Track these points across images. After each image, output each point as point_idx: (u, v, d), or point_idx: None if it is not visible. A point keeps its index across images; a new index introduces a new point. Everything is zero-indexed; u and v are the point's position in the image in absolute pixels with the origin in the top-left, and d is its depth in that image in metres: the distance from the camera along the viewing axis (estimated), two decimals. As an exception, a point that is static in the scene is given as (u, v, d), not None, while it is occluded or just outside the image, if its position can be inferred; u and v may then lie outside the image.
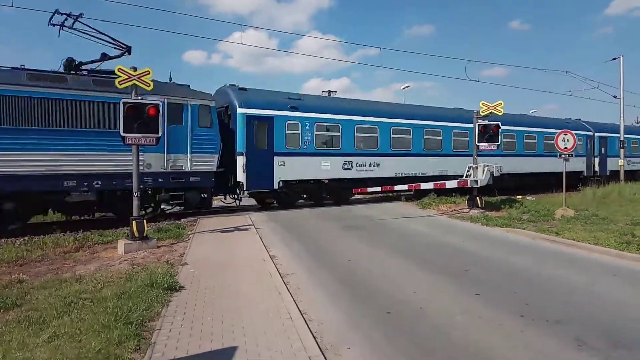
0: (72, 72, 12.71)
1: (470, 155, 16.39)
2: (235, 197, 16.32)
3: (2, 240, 10.57)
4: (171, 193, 13.76)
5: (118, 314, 5.16)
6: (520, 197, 20.16)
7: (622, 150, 27.28)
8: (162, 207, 14.43)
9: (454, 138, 20.84)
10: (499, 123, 15.23)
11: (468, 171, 15.51)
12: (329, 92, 41.21)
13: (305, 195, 17.71)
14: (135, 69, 9.42)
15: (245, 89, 16.36)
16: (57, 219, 13.63)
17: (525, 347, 4.61)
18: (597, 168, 27.89)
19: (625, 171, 26.75)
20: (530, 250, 9.48)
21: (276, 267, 7.87)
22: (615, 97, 28.40)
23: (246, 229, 11.96)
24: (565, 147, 14.88)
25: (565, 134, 14.91)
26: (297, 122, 16.50)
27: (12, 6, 13.00)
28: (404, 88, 36.52)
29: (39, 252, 9.37)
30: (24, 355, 4.22)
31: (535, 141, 24.61)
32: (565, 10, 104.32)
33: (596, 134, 27.96)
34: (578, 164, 26.12)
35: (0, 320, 5.27)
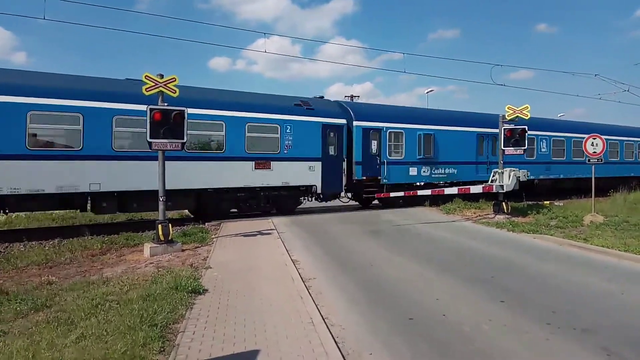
0: None
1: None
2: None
3: (33, 242, 10.88)
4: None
5: (143, 316, 5.26)
6: (547, 202, 19.76)
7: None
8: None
9: None
10: (526, 127, 14.99)
11: (494, 176, 15.27)
12: (352, 97, 41.26)
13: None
14: (162, 76, 9.62)
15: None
16: (85, 222, 13.98)
17: (550, 355, 4.52)
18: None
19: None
20: (557, 256, 9.27)
21: (298, 272, 7.90)
22: (646, 100, 27.62)
23: (269, 233, 12.02)
24: (594, 152, 14.55)
25: (594, 139, 14.59)
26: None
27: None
28: (427, 92, 36.24)
29: (67, 254, 9.62)
30: (52, 355, 4.33)
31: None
32: (593, 13, 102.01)
33: None
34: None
35: (31, 321, 5.43)
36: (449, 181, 19.82)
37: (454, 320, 5.57)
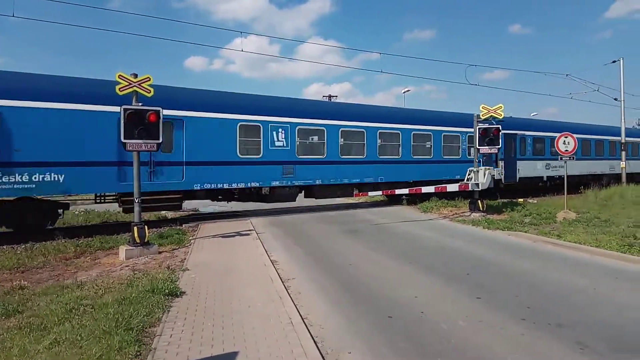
0: None
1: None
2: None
3: (4, 246, 10.59)
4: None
5: (119, 320, 5.16)
6: (522, 200, 20.15)
7: (623, 153, 27.27)
8: None
9: None
10: (499, 126, 15.26)
11: (469, 174, 15.49)
12: (330, 96, 41.38)
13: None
14: (135, 76, 9.47)
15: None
16: (58, 226, 13.65)
17: (526, 350, 4.60)
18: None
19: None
20: (531, 253, 9.46)
21: (277, 272, 7.87)
22: (615, 99, 28.40)
23: (247, 234, 11.96)
24: (566, 150, 14.90)
25: (566, 137, 14.92)
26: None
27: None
28: (404, 92, 36.53)
29: (40, 258, 9.38)
30: (24, 361, 4.22)
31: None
32: (565, 14, 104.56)
33: None
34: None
35: (2, 327, 5.27)
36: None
37: (431, 317, 5.63)
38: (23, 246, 10.59)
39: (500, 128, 15.30)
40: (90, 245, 10.63)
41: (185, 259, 9.03)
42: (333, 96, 41.69)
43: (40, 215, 12.46)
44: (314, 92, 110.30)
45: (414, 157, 19.25)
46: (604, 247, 9.48)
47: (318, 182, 16.50)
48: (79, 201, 18.84)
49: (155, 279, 6.99)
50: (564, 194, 15.36)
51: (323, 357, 4.42)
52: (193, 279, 7.40)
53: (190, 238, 11.51)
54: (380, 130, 18.26)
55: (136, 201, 9.75)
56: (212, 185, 14.25)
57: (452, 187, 15.73)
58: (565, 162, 15.25)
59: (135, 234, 9.50)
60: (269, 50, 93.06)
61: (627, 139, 27.97)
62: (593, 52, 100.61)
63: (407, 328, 5.30)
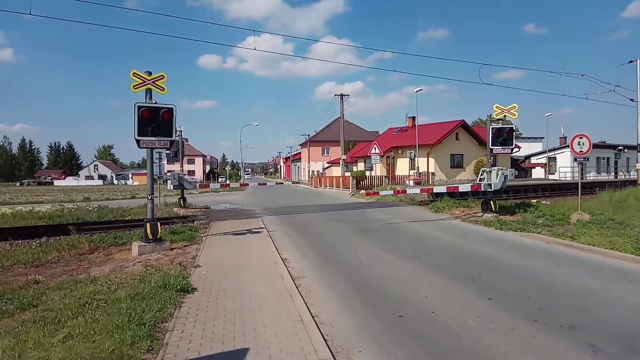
0: None
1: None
2: None
3: (19, 241, 10.75)
4: None
5: (131, 315, 5.23)
6: (535, 201, 19.96)
7: (639, 154, 26.89)
8: None
9: None
10: (513, 126, 15.11)
11: (482, 175, 15.39)
12: (342, 95, 41.27)
13: None
14: (150, 73, 9.55)
15: None
16: (72, 221, 13.82)
17: (538, 352, 4.56)
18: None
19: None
20: (544, 254, 9.37)
21: (288, 270, 7.90)
22: (632, 100, 28.00)
23: (258, 232, 12.01)
24: (581, 151, 14.71)
25: (581, 138, 14.73)
26: None
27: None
28: (416, 91, 36.24)
29: (54, 253, 9.52)
30: (39, 354, 4.29)
31: None
32: (581, 14, 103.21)
33: None
34: None
35: (17, 320, 5.36)
36: None
37: (442, 317, 5.60)
38: (38, 241, 10.75)
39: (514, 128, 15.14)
40: (104, 240, 10.77)
41: (196, 255, 9.10)
42: (345, 95, 41.53)
43: None
44: (326, 91, 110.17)
45: None
46: (618, 249, 9.35)
47: None
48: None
49: (167, 275, 7.07)
50: (578, 195, 15.19)
51: (333, 356, 4.43)
52: (204, 276, 7.45)
53: (202, 235, 11.59)
54: None
55: (149, 198, 9.84)
56: None
57: (464, 188, 15.65)
58: (580, 163, 15.08)
59: (148, 230, 9.60)
60: (282, 48, 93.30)
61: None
62: (609, 52, 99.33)
63: (417, 327, 5.28)
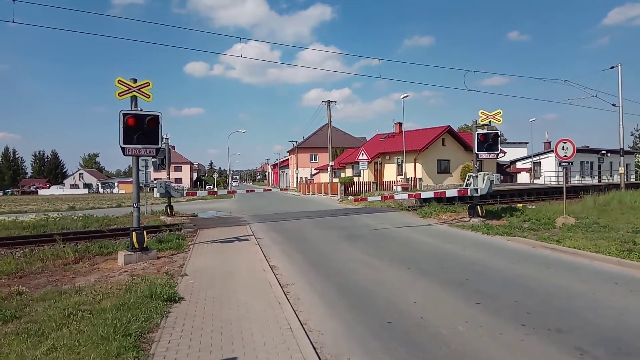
0: None
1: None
2: None
3: (2, 252, 10.56)
4: None
5: (117, 325, 5.14)
6: (521, 205, 20.15)
7: (622, 158, 27.33)
8: None
9: None
10: (498, 132, 15.26)
11: (468, 180, 15.51)
12: (329, 102, 41.36)
13: None
14: (135, 81, 9.48)
15: None
16: (57, 231, 13.62)
17: (525, 355, 4.58)
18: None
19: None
20: (531, 258, 9.45)
21: (276, 278, 7.86)
22: (614, 105, 28.50)
23: (246, 239, 11.95)
24: (565, 155, 14.90)
25: (565, 142, 14.92)
26: None
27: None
28: (403, 98, 36.48)
29: (38, 264, 9.36)
30: (22, 367, 4.20)
31: None
32: (563, 21, 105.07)
33: None
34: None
35: (0, 333, 5.25)
36: None
37: (431, 322, 5.61)
38: (21, 251, 10.57)
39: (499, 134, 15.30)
40: (89, 250, 10.63)
41: (184, 264, 9.02)
42: (332, 101, 41.63)
43: None
44: (313, 98, 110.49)
45: None
46: (603, 252, 9.46)
47: None
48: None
49: (154, 285, 6.98)
50: (563, 199, 15.37)
51: (322, 363, 4.40)
52: (192, 285, 7.38)
53: (189, 243, 11.49)
54: None
55: (135, 206, 9.74)
56: None
57: (451, 193, 15.76)
58: (564, 168, 15.27)
59: (134, 239, 9.49)
60: (269, 56, 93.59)
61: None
62: (591, 59, 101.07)
63: (406, 333, 5.28)
